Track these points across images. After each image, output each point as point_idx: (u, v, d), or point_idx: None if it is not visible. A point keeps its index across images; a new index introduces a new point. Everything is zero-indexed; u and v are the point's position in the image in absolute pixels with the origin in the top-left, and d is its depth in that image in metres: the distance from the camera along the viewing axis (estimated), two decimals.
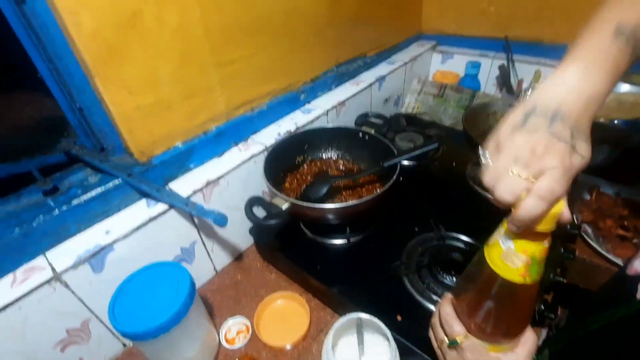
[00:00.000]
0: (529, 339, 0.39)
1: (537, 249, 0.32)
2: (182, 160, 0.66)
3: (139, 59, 0.55)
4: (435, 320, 0.45)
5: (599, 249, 0.71)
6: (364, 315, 0.51)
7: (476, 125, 0.78)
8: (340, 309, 0.64)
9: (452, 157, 0.92)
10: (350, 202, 0.58)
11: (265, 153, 0.73)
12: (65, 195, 0.54)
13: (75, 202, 0.54)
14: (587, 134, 0.33)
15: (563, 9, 1.03)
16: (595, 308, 0.44)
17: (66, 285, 0.50)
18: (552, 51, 1.10)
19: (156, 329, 0.45)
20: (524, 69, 1.12)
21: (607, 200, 0.80)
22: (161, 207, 0.59)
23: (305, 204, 0.58)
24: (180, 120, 0.64)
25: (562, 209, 0.30)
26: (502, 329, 0.38)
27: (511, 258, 0.33)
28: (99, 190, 0.56)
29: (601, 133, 0.82)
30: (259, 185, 0.76)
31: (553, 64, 1.08)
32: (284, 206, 0.59)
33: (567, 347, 0.44)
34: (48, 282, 0.48)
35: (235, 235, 0.75)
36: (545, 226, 0.30)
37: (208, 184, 0.64)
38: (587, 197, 0.83)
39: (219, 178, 0.66)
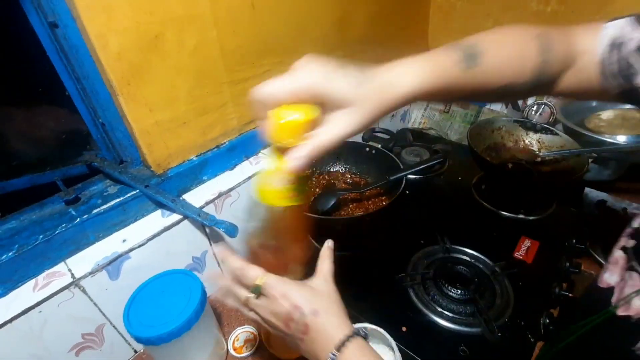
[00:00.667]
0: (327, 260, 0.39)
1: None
2: (195, 172, 0.69)
3: (159, 78, 0.59)
4: (226, 285, 0.40)
5: (605, 263, 0.71)
6: (369, 325, 0.52)
7: (481, 141, 0.80)
8: None
9: (458, 171, 0.93)
10: (358, 215, 0.59)
11: None
12: (86, 205, 0.58)
13: (95, 211, 0.57)
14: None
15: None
16: (575, 320, 0.45)
17: (84, 291, 0.52)
18: None
19: (168, 335, 0.47)
20: None
21: (614, 215, 0.80)
22: (175, 217, 0.62)
23: (314, 216, 0.60)
24: (195, 135, 0.67)
25: (308, 119, 0.30)
26: (290, 255, 0.41)
27: (272, 184, 0.34)
28: (117, 200, 0.59)
29: (607, 150, 0.83)
30: None
31: None
32: None
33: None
34: (67, 287, 0.51)
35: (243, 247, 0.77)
36: (286, 138, 0.31)
37: (220, 195, 0.67)
38: (595, 212, 0.83)
39: (230, 190, 0.69)
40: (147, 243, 0.58)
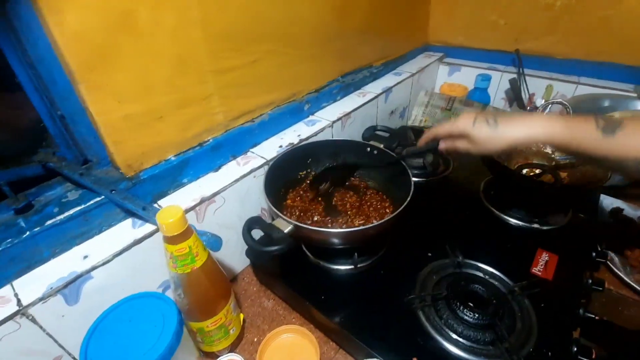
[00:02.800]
0: None
1: (174, 249, 0.43)
2: (174, 174, 0.60)
3: (129, 65, 0.50)
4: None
5: (626, 279, 0.65)
6: None
7: None
8: (346, 345, 0.57)
9: (464, 175, 0.87)
10: (361, 227, 0.52)
11: (266, 167, 0.67)
12: (40, 214, 0.48)
13: (50, 222, 0.48)
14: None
15: (577, 23, 1.00)
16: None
17: (33, 320, 0.43)
18: (565, 66, 1.06)
19: None
20: (535, 84, 1.08)
21: (631, 224, 0.75)
22: (148, 227, 0.53)
23: (311, 227, 0.52)
24: (173, 131, 0.58)
25: (177, 217, 0.42)
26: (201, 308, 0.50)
27: (168, 259, 0.45)
28: (78, 208, 0.50)
29: None
30: (258, 202, 0.70)
31: (565, 79, 1.04)
32: (287, 229, 0.52)
33: None
34: (12, 317, 0.41)
35: (229, 257, 0.69)
36: (168, 233, 0.42)
37: (202, 201, 0.58)
38: (611, 220, 0.78)
39: (214, 195, 0.60)
40: (113, 260, 0.49)
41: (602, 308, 0.66)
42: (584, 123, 0.44)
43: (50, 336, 0.45)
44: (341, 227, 0.63)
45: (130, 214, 0.54)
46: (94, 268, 0.47)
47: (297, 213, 0.68)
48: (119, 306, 0.46)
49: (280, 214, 0.54)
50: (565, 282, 0.58)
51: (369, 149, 0.73)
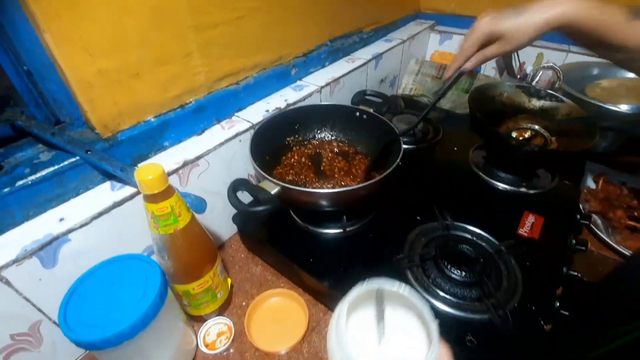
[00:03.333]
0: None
1: (155, 208, 0.42)
2: (154, 137, 0.57)
3: (101, 14, 0.46)
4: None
5: (608, 240, 0.67)
6: (388, 287, 0.36)
7: (481, 107, 0.72)
8: (335, 306, 0.57)
9: (453, 141, 0.86)
10: (349, 187, 0.51)
11: (252, 131, 0.65)
12: (9, 175, 0.45)
13: (21, 183, 0.45)
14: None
15: None
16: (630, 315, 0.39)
17: (7, 283, 0.41)
18: (555, 34, 1.04)
19: (117, 337, 0.37)
20: (525, 52, 1.07)
21: (613, 189, 0.76)
22: (128, 190, 0.51)
23: (298, 188, 0.51)
24: (152, 90, 0.55)
25: (156, 174, 0.39)
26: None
27: (149, 220, 0.43)
28: (51, 169, 0.47)
29: (607, 119, 0.77)
30: (245, 167, 0.68)
31: (556, 47, 1.03)
32: (274, 190, 0.51)
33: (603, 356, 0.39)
34: None
35: (216, 223, 0.67)
36: (148, 191, 0.40)
37: (185, 164, 0.56)
38: (593, 185, 0.79)
39: (197, 158, 0.58)
40: (91, 222, 0.47)
41: (584, 268, 0.68)
42: (609, 5, 0.42)
43: (28, 300, 0.44)
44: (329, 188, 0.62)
45: (108, 176, 0.52)
46: (70, 231, 0.45)
47: (286, 179, 0.67)
48: (100, 268, 0.44)
49: (266, 176, 0.52)
50: (550, 243, 0.59)
51: (358, 113, 0.71)
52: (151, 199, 0.41)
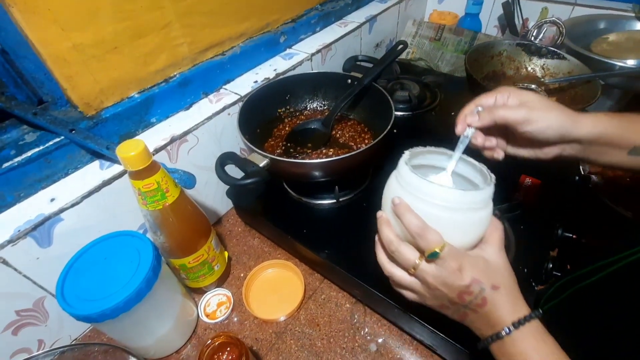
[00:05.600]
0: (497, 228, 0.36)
1: (140, 184, 0.41)
2: (140, 113, 0.56)
3: None
4: (390, 240, 0.35)
5: (607, 201, 0.66)
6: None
7: (479, 69, 0.69)
8: (331, 275, 0.58)
9: (451, 106, 0.83)
10: (339, 156, 0.50)
11: (241, 104, 0.63)
12: None
13: (7, 165, 0.45)
14: None
15: None
16: (597, 259, 0.40)
17: (5, 263, 0.42)
18: None
19: (113, 310, 0.38)
20: (529, 7, 1.01)
21: None
22: (117, 168, 0.50)
23: (287, 159, 0.50)
24: (133, 64, 0.53)
25: (138, 150, 0.39)
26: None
27: (137, 197, 0.43)
28: (37, 150, 0.47)
29: (613, 75, 0.74)
30: (237, 141, 0.67)
31: (561, 0, 0.97)
32: (262, 163, 0.50)
33: (565, 301, 0.40)
34: None
35: (211, 199, 0.68)
36: (132, 167, 0.39)
37: (173, 140, 0.55)
38: None
39: (185, 133, 0.57)
40: (82, 201, 0.47)
41: (584, 229, 0.67)
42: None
43: (28, 278, 0.45)
44: (319, 158, 0.61)
45: (96, 155, 0.52)
46: (62, 210, 0.45)
47: (278, 151, 0.66)
48: (94, 245, 0.45)
49: (255, 149, 0.51)
50: (545, 206, 0.58)
51: (349, 80, 0.68)
52: (136, 175, 0.41)
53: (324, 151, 0.63)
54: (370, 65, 0.71)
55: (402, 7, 1.03)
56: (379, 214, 0.37)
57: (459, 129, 0.41)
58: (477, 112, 0.40)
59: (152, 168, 0.41)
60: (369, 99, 0.66)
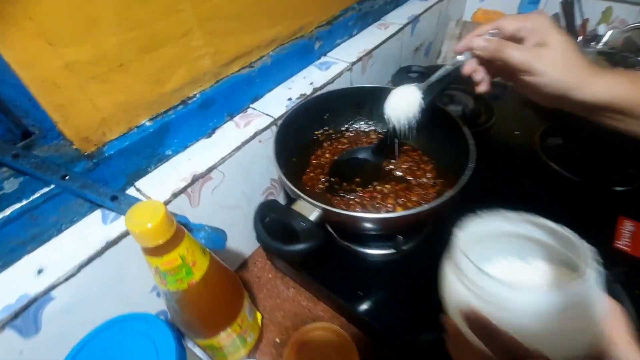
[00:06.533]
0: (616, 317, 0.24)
1: (158, 262, 0.31)
2: (152, 145, 0.44)
3: None
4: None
5: None
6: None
7: None
8: (393, 347, 0.47)
9: (512, 124, 0.71)
10: (417, 209, 0.38)
11: (274, 128, 0.52)
12: None
13: None
14: None
15: None
16: None
17: None
18: None
19: None
20: (590, 6, 0.88)
21: None
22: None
23: (350, 213, 0.38)
24: (143, 85, 0.42)
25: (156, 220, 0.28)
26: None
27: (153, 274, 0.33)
28: (18, 205, 0.35)
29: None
30: (267, 172, 0.55)
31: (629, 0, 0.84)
32: (313, 215, 0.39)
33: None
34: None
35: (237, 240, 0.56)
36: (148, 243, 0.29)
37: (195, 180, 0.44)
38: None
39: (210, 170, 0.45)
40: (79, 272, 0.35)
41: None
42: None
43: None
44: (386, 211, 0.48)
45: (97, 204, 0.40)
46: (53, 287, 0.34)
47: (318, 186, 0.54)
48: (95, 337, 0.33)
49: (304, 196, 0.39)
50: None
51: None
52: (153, 252, 0.30)
53: (377, 187, 0.51)
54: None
55: (443, 6, 0.91)
56: (447, 321, 0.28)
57: (458, 48, 0.40)
58: (489, 38, 0.37)
59: (175, 239, 0.30)
60: (429, 121, 0.54)
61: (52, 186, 0.36)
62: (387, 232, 0.44)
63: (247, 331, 0.44)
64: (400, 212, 0.38)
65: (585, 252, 0.24)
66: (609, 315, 0.24)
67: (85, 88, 0.37)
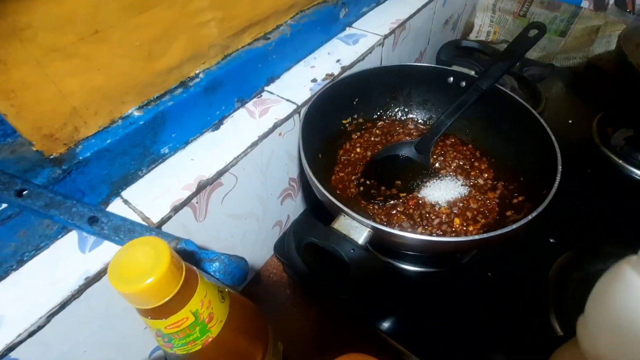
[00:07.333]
0: None
1: (162, 325, 0.21)
2: (144, 141, 0.34)
3: None
4: None
5: None
6: None
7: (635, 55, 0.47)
8: None
9: (564, 112, 0.62)
10: (481, 235, 0.29)
11: (298, 117, 0.41)
12: None
13: None
14: None
15: None
16: None
17: None
18: None
19: None
20: None
21: None
22: (108, 249, 0.29)
23: (412, 236, 0.29)
24: (127, 60, 0.30)
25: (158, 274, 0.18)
26: None
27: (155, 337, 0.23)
28: None
29: None
30: (286, 170, 0.45)
31: None
32: (362, 237, 0.29)
33: None
34: None
35: (248, 252, 0.47)
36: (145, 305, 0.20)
37: (201, 188, 0.34)
38: None
39: (220, 174, 0.35)
40: (49, 322, 0.26)
41: None
42: None
43: None
44: (439, 223, 0.39)
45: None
46: (13, 347, 0.24)
47: (350, 190, 0.45)
48: None
49: (349, 212, 0.30)
50: None
51: (451, 78, 0.46)
52: (154, 313, 0.20)
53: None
54: (480, 54, 0.49)
55: None
56: None
57: None
58: None
59: (185, 291, 0.21)
60: (484, 108, 0.45)
61: (4, 205, 0.26)
62: (450, 254, 0.35)
63: None
64: (484, 235, 0.28)
65: None
66: None
67: (45, 65, 0.26)
